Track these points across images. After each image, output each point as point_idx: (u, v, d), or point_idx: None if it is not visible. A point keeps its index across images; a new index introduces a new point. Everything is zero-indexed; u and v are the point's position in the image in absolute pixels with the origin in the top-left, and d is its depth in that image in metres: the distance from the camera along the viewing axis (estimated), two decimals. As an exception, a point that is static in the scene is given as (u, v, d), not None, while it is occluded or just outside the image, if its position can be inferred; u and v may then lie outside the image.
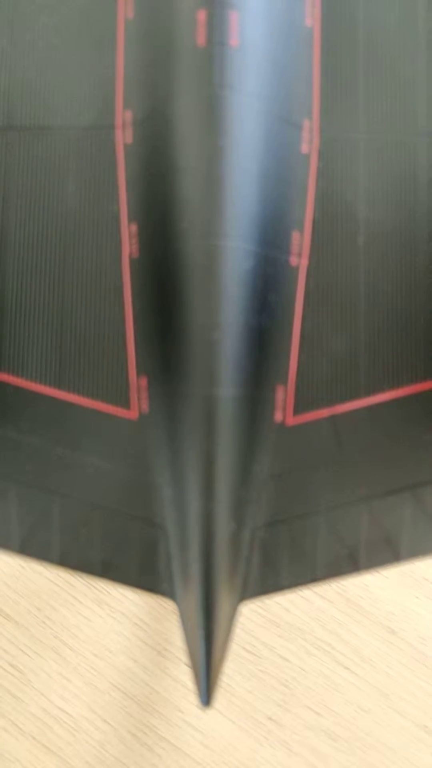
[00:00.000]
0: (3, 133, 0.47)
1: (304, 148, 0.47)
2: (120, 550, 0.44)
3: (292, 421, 0.45)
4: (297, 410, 0.45)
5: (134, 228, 0.46)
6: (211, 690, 0.40)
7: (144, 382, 0.45)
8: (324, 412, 0.45)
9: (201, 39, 0.44)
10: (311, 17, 0.48)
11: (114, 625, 0.65)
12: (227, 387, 0.42)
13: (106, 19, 0.48)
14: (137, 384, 0.45)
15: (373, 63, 0.48)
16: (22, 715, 0.63)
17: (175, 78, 0.45)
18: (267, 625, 0.65)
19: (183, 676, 0.64)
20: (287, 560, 0.44)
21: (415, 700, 0.63)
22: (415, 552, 0.44)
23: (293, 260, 0.46)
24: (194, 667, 0.41)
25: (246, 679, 0.64)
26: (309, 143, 0.47)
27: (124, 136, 0.47)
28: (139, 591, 0.45)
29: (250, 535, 0.44)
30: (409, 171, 0.47)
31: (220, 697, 0.64)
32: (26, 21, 0.48)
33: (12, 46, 0.48)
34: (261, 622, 0.65)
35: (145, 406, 0.45)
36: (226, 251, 0.43)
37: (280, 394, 0.45)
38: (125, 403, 0.45)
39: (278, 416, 0.45)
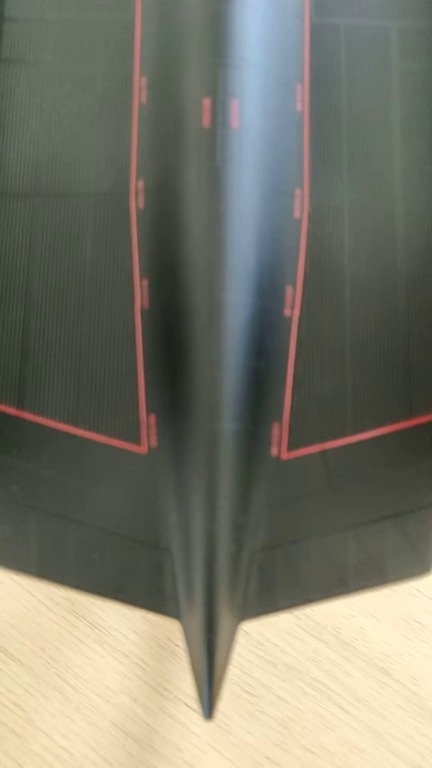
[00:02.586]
0: (30, 199, 0.54)
1: (296, 213, 0.53)
2: (129, 573, 0.47)
3: (286, 455, 0.49)
4: (291, 446, 0.49)
5: (146, 283, 0.52)
6: (213, 703, 0.43)
7: (153, 419, 0.50)
8: (315, 448, 0.50)
9: (206, 121, 0.51)
10: (301, 103, 0.55)
11: (116, 665, 0.67)
12: (228, 422, 0.47)
13: (122, 104, 0.55)
14: (147, 421, 0.50)
15: (355, 140, 0.55)
16: (24, 754, 0.64)
17: (182, 153, 0.51)
18: (264, 666, 0.67)
19: (183, 716, 0.66)
20: (282, 582, 0.47)
21: (408, 740, 0.65)
22: (400, 575, 0.47)
23: (287, 311, 0.51)
24: (197, 680, 0.44)
25: (244, 719, 0.66)
26: (300, 209, 0.53)
27: (137, 202, 0.53)
28: (146, 612, 0.48)
29: (249, 557, 0.47)
30: (388, 232, 0.53)
31: (218, 736, 0.65)
32: (53, 104, 0.55)
33: (40, 124, 0.55)
34: (258, 663, 0.67)
35: (153, 442, 0.49)
36: (227, 303, 0.48)
37: (275, 430, 0.50)
38: (136, 439, 0.50)
39: (274, 451, 0.49)
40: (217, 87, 0.51)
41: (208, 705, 0.43)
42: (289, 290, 0.52)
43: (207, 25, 0.52)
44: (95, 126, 0.55)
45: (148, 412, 0.50)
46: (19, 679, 0.67)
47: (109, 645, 0.68)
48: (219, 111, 0.51)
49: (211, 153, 0.50)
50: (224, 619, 0.44)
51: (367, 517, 0.48)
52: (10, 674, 0.67)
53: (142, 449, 0.50)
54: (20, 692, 0.66)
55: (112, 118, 0.55)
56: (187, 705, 0.66)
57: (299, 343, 0.51)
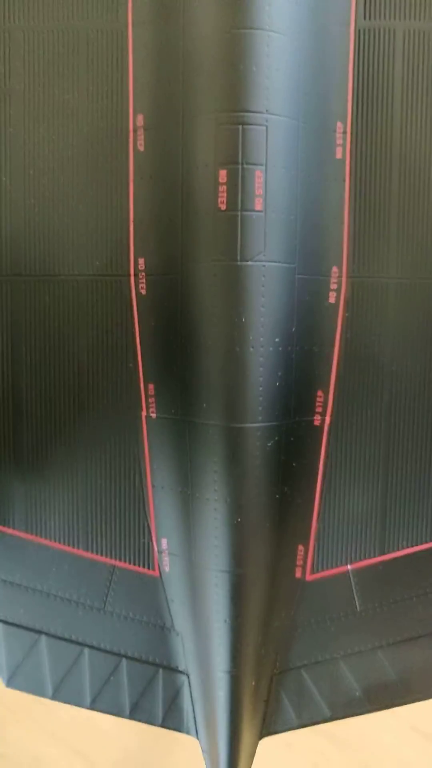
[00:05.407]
0: (8, 280, 0.44)
1: (331, 297, 0.44)
2: (146, 693, 0.47)
3: (310, 577, 0.46)
4: (315, 568, 0.46)
5: (151, 388, 0.44)
6: None
7: (165, 543, 0.46)
8: (341, 569, 0.46)
9: (222, 202, 0.40)
10: (342, 148, 0.43)
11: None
12: (249, 566, 0.43)
13: (115, 153, 0.43)
14: (159, 548, 0.46)
15: (407, 198, 0.44)
16: None
17: (193, 242, 0.41)
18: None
19: None
20: (304, 702, 0.46)
21: None
22: (424, 694, 0.47)
23: (317, 419, 0.45)
24: None
25: None
26: (336, 292, 0.44)
27: (137, 286, 0.44)
28: (164, 729, 0.48)
29: (269, 680, 0.46)
30: None
31: None
32: (27, 155, 0.43)
33: (11, 183, 0.43)
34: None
35: (166, 567, 0.46)
36: (248, 433, 0.42)
37: (300, 552, 0.46)
38: (149, 565, 0.46)
39: (298, 573, 0.46)
40: (237, 154, 0.39)
41: None
42: (320, 395, 0.45)
43: (220, 59, 0.39)
44: (82, 186, 0.43)
45: (160, 536, 0.46)
46: None
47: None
48: (239, 189, 0.40)
49: (230, 248, 0.40)
50: (245, 739, 0.44)
51: (393, 639, 0.46)
52: None
53: (155, 573, 0.46)
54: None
55: (103, 175, 0.43)
56: None
57: (328, 455, 0.45)
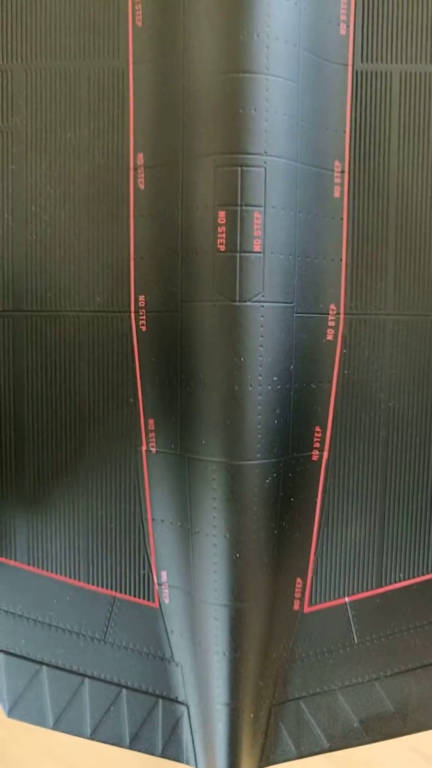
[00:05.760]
0: (10, 315, 0.45)
1: (329, 335, 0.45)
2: (146, 724, 0.47)
3: (308, 609, 0.47)
4: (313, 601, 0.46)
5: (152, 423, 0.45)
6: None
7: (165, 576, 0.46)
8: (339, 601, 0.47)
9: (221, 243, 0.40)
10: (340, 187, 0.44)
11: None
12: (248, 600, 0.43)
13: (116, 191, 0.44)
14: (159, 580, 0.46)
15: (406, 232, 0.44)
16: None
17: (192, 282, 0.42)
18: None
19: None
20: (302, 733, 0.47)
21: None
22: (423, 725, 0.47)
23: (315, 455, 0.45)
24: None
25: None
26: (334, 329, 0.44)
27: (138, 323, 0.45)
28: (164, 760, 0.48)
29: (267, 712, 0.47)
30: None
31: None
32: (29, 191, 0.44)
33: (13, 219, 0.44)
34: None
35: (166, 599, 0.46)
36: (247, 470, 0.42)
37: (298, 586, 0.46)
38: (149, 596, 0.47)
39: (296, 605, 0.46)
40: (236, 196, 0.40)
41: None
42: (317, 431, 0.45)
43: (220, 102, 0.39)
44: (83, 223, 0.44)
45: (160, 569, 0.46)
46: None
47: None
48: (238, 230, 0.40)
49: (229, 289, 0.41)
50: None
51: (390, 671, 0.47)
52: None
53: (155, 604, 0.47)
54: None
55: (104, 212, 0.44)
56: None
57: (325, 489, 0.45)
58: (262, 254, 0.41)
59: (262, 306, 0.41)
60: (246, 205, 0.40)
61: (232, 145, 0.40)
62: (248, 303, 0.41)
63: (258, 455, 0.42)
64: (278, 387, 0.42)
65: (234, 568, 0.43)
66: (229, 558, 0.43)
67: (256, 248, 0.40)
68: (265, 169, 0.40)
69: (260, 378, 0.42)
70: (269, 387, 0.42)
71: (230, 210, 0.40)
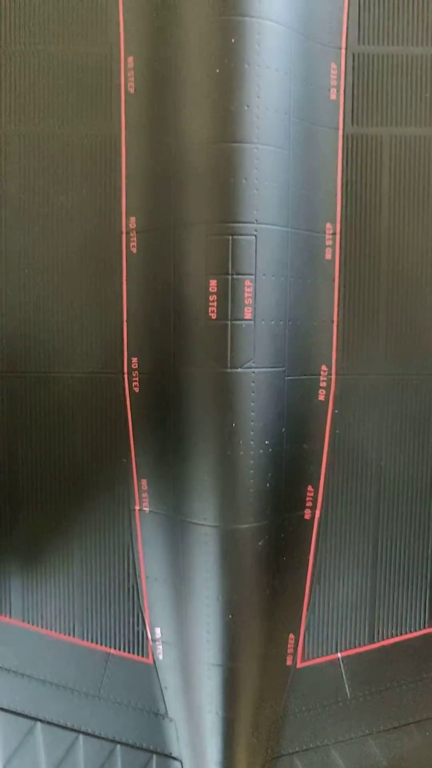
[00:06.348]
0: (3, 377, 0.45)
1: (321, 395, 0.45)
2: (141, 779, 0.47)
3: (301, 664, 0.47)
4: (306, 656, 0.47)
5: (144, 483, 0.45)
6: None
7: (159, 632, 0.46)
8: (331, 657, 0.47)
9: (213, 311, 0.41)
10: (332, 249, 0.44)
11: None
12: (241, 660, 0.44)
13: (110, 253, 0.44)
14: (153, 636, 0.47)
15: (396, 297, 0.44)
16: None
17: (184, 349, 0.42)
18: None
19: None
20: None
21: None
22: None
23: (307, 513, 0.46)
24: None
25: None
26: (326, 390, 0.45)
27: (131, 384, 0.45)
28: None
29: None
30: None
31: None
32: (22, 254, 0.44)
33: (6, 282, 0.44)
34: None
35: (160, 655, 0.47)
36: (239, 534, 0.43)
37: (291, 641, 0.46)
38: (143, 653, 0.47)
39: (289, 660, 0.47)
40: (227, 264, 0.40)
41: None
42: (310, 489, 0.45)
43: (210, 171, 0.40)
44: (76, 285, 0.44)
45: (154, 625, 0.47)
46: None
47: None
48: (229, 299, 0.40)
49: (220, 356, 0.41)
50: None
51: (383, 726, 0.47)
52: None
53: (149, 660, 0.47)
54: None
55: (97, 275, 0.44)
56: None
57: (318, 548, 0.46)
58: (252, 322, 0.41)
59: (254, 372, 0.41)
60: (237, 274, 0.40)
61: (223, 214, 0.40)
62: (239, 370, 0.41)
63: (251, 518, 0.43)
64: (270, 450, 0.43)
65: (227, 630, 0.43)
66: (222, 619, 0.43)
67: (247, 316, 0.41)
68: (256, 237, 0.40)
69: (252, 443, 0.42)
70: (261, 451, 0.43)
71: (221, 279, 0.40)
